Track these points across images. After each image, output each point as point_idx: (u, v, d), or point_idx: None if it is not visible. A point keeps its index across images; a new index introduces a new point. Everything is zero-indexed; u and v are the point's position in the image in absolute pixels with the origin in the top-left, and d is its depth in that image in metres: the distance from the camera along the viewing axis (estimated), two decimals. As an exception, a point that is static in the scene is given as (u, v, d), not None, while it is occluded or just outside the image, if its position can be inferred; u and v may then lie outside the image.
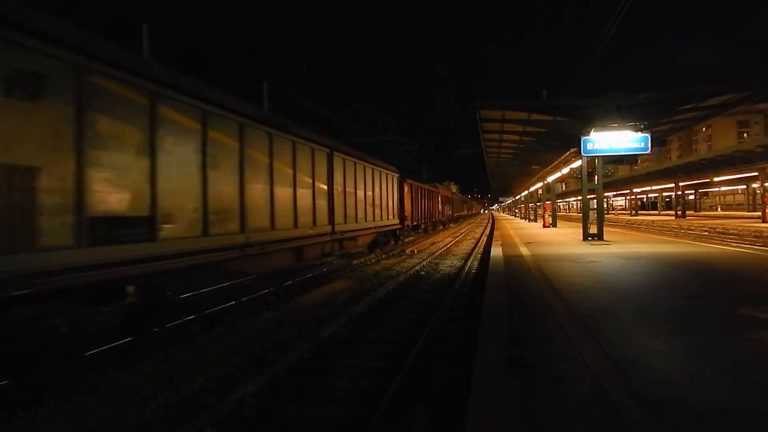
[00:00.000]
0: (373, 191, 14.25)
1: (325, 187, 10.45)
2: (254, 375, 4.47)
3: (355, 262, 13.40)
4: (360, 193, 12.89)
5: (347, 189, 11.80)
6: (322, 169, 10.28)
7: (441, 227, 34.89)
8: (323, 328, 6.01)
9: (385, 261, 14.61)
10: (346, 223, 11.47)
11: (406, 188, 20.27)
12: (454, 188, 77.37)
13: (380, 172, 15.35)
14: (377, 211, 14.65)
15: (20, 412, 3.86)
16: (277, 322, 6.79)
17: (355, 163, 12.54)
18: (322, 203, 10.10)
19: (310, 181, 9.56)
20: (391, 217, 16.57)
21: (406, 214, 20.02)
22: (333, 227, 10.55)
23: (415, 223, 23.19)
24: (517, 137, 22.30)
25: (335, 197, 10.83)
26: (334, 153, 10.95)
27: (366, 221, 13.24)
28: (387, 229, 16.03)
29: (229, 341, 5.88)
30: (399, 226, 18.04)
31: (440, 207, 33.54)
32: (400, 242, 19.46)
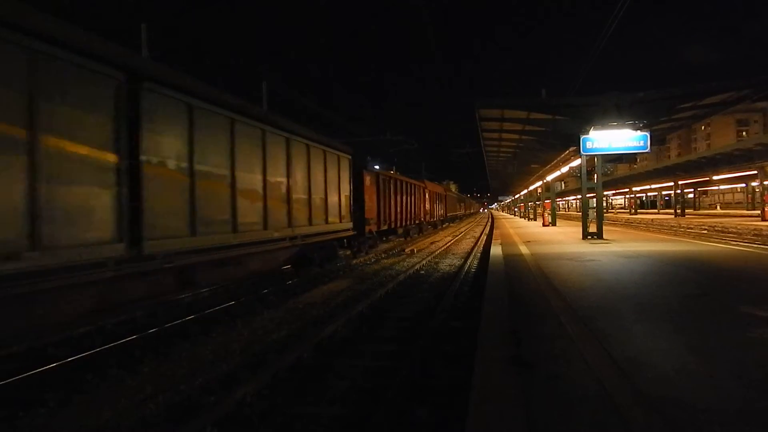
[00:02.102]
0: (289, 178, 8.72)
1: (113, 157, 4.81)
2: (254, 375, 4.47)
3: (354, 261, 13.41)
4: (252, 179, 7.50)
5: (205, 168, 6.27)
6: (95, 117, 4.65)
7: (431, 229, 30.02)
8: (323, 327, 6.01)
9: (385, 260, 14.62)
10: (195, 235, 5.95)
11: (367, 179, 14.87)
12: (453, 187, 77.47)
13: (306, 146, 9.50)
14: (303, 210, 9.32)
15: (20, 412, 3.86)
16: (276, 322, 6.80)
17: (232, 121, 6.91)
18: (94, 193, 4.62)
19: (23, 136, 3.90)
20: (335, 219, 11.12)
21: (369, 215, 14.80)
22: (140, 247, 5.09)
23: (386, 227, 17.61)
24: (516, 136, 22.31)
25: (153, 182, 5.32)
26: (147, 86, 5.25)
27: (267, 228, 7.83)
28: (328, 237, 10.71)
29: (228, 341, 5.88)
30: (352, 233, 12.48)
31: (427, 206, 27.70)
32: (362, 255, 14.42)
